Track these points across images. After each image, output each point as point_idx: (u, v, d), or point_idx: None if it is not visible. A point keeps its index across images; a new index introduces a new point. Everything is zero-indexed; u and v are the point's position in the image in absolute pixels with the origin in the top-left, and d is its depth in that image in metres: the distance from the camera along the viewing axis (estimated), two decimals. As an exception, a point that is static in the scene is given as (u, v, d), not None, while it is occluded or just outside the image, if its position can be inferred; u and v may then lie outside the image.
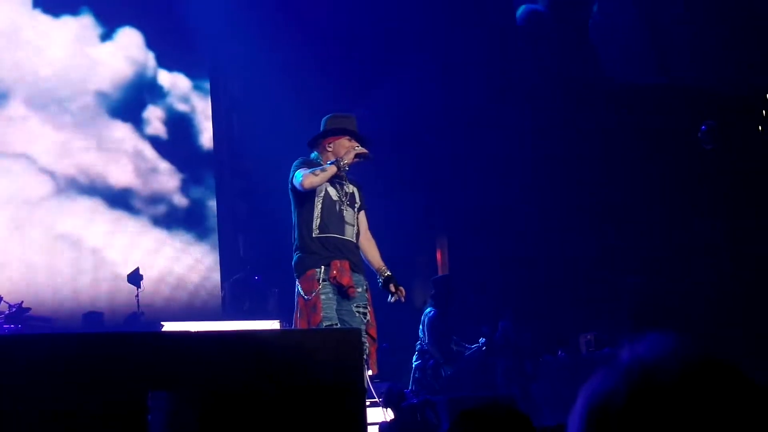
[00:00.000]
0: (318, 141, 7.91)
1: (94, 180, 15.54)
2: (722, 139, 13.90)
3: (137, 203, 15.78)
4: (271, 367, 6.37)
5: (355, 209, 7.74)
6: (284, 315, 13.62)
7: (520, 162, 15.78)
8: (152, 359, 6.04)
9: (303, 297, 7.84)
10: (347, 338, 7.18)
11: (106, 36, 16.01)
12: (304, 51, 15.96)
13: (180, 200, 16.06)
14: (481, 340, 12.72)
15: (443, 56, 16.51)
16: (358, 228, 7.80)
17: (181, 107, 16.40)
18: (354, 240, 7.73)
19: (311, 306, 7.78)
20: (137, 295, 12.98)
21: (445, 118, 16.52)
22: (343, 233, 7.62)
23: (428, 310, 12.56)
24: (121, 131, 15.88)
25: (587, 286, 15.14)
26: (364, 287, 8.05)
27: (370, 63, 16.48)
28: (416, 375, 12.31)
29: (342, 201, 7.61)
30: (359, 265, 7.88)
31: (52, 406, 5.78)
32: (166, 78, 16.38)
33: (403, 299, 8.06)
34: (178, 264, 15.72)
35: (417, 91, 16.54)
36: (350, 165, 7.52)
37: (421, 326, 12.54)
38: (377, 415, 10.59)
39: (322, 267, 7.59)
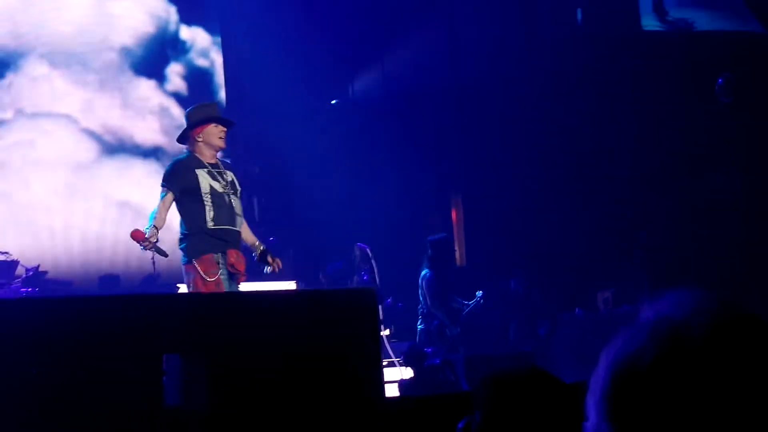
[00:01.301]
0: (187, 134, 7.91)
1: (122, 138, 15.51)
2: (739, 92, 13.76)
3: (163, 160, 15.76)
4: (286, 328, 6.35)
5: (238, 196, 7.88)
6: (300, 275, 13.62)
7: (533, 119, 15.67)
8: (167, 322, 6.02)
9: (203, 278, 7.86)
10: (362, 297, 7.15)
11: (126, -10, 15.94)
12: (314, 12, 15.87)
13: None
14: (479, 293, 12.57)
15: (453, 14, 16.40)
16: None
17: (202, 62, 16.32)
18: (240, 228, 7.90)
19: (215, 286, 7.85)
20: (153, 258, 12.92)
21: (457, 76, 16.43)
22: (234, 224, 7.79)
23: (424, 272, 12.42)
24: (146, 88, 15.81)
25: (604, 243, 15.07)
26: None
27: (380, 23, 16.39)
28: (422, 338, 12.22)
29: (227, 192, 7.71)
30: (242, 251, 8.09)
31: (68, 369, 5.76)
32: (186, 33, 16.28)
33: (278, 270, 8.26)
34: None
35: (427, 51, 16.46)
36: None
37: (420, 290, 12.43)
38: (394, 373, 10.60)
39: (220, 253, 7.72)
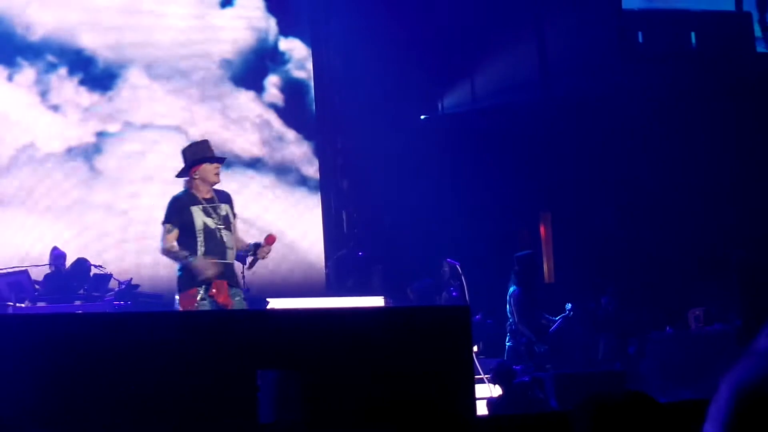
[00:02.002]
0: (185, 172, 8.52)
1: (223, 150, 15.70)
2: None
3: (263, 172, 15.90)
4: (379, 344, 6.36)
5: (232, 230, 8.36)
6: (388, 291, 13.63)
7: (624, 137, 15.55)
8: (261, 338, 6.06)
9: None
10: (455, 315, 7.14)
11: (226, 2, 16.09)
12: (404, 27, 15.90)
13: (293, 173, 16.11)
14: (568, 305, 12.47)
15: (544, 30, 16.34)
16: (235, 246, 8.44)
17: (298, 74, 16.43)
18: (233, 261, 8.44)
19: None
20: (243, 272, 13.03)
21: (547, 92, 16.34)
22: (224, 257, 8.30)
23: (512, 288, 12.35)
24: (245, 99, 15.97)
25: (695, 261, 14.88)
26: (241, 297, 8.73)
27: (470, 39, 16.37)
28: (510, 355, 12.14)
29: (219, 228, 8.24)
30: (235, 279, 8.59)
31: (163, 383, 5.82)
32: (284, 44, 16.41)
33: (265, 256, 8.66)
34: (283, 240, 15.79)
35: (517, 67, 16.40)
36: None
37: (507, 306, 12.36)
38: (483, 391, 10.55)
39: (204, 286, 8.19)
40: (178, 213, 8.30)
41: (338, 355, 6.23)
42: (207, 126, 15.59)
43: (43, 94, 15.17)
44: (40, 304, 12.31)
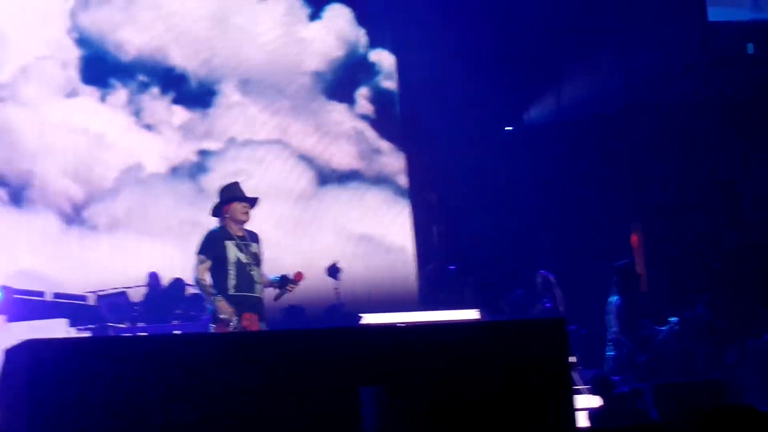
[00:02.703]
0: (218, 211, 9.00)
1: (319, 164, 15.85)
2: None
3: (355, 185, 16.02)
4: (480, 357, 6.39)
5: (260, 266, 8.81)
6: (481, 304, 13.60)
7: (712, 144, 15.40)
8: (360, 354, 6.13)
9: None
10: (552, 327, 7.14)
11: (314, 15, 16.25)
12: (489, 38, 15.91)
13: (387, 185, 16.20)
14: (672, 319, 12.37)
15: (630, 40, 16.22)
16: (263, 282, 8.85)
17: (388, 85, 16.53)
18: (261, 295, 8.82)
19: None
20: (337, 288, 13.10)
21: (634, 102, 16.21)
22: (253, 291, 8.73)
23: (613, 298, 12.27)
24: (338, 112, 16.10)
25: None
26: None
27: (555, 50, 16.31)
28: (611, 365, 12.06)
29: (250, 264, 8.71)
30: (264, 314, 8.90)
31: (264, 401, 5.90)
32: (374, 55, 16.51)
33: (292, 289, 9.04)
34: (375, 255, 15.87)
35: (602, 77, 16.30)
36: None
37: (607, 315, 12.28)
38: (581, 402, 10.49)
39: (236, 318, 8.55)
40: (212, 246, 8.74)
41: (439, 368, 6.28)
42: (302, 140, 15.75)
43: (137, 114, 15.45)
44: (139, 324, 12.52)
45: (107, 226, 15.11)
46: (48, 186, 15.07)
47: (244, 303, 8.66)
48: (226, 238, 8.75)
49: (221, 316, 8.51)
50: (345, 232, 15.85)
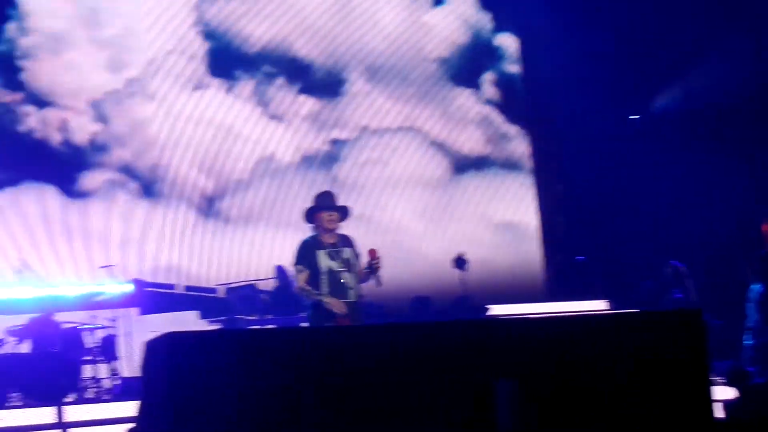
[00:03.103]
0: (308, 219, 9.28)
1: (448, 149, 15.85)
2: None
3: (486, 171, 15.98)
4: (614, 349, 6.31)
5: (353, 271, 9.00)
6: (610, 294, 13.48)
7: None
8: (497, 347, 6.09)
9: None
10: (687, 318, 7.00)
11: (438, 0, 16.23)
12: (615, 25, 15.71)
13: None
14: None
15: (760, 26, 15.89)
16: (358, 287, 9.08)
17: (513, 69, 16.45)
18: (355, 299, 9.03)
19: None
20: (462, 280, 13.10)
21: (764, 88, 15.89)
22: (346, 297, 8.92)
23: (756, 286, 12.04)
24: (464, 98, 16.09)
25: None
26: None
27: (681, 38, 16.05)
28: (749, 354, 11.85)
29: (342, 270, 8.95)
30: (359, 317, 9.15)
31: (397, 395, 5.90)
32: (498, 39, 16.45)
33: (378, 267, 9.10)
34: (501, 245, 15.81)
35: (730, 64, 15.98)
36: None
37: (747, 303, 12.05)
38: (717, 393, 10.30)
39: (331, 323, 8.81)
40: (305, 256, 9.05)
41: (569, 363, 6.21)
42: (432, 127, 15.77)
43: (264, 105, 15.62)
44: (268, 317, 12.65)
45: (240, 218, 15.31)
46: (178, 178, 15.32)
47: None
48: (318, 248, 9.04)
49: (336, 312, 8.78)
50: (477, 220, 15.84)
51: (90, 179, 15.02)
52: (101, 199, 14.95)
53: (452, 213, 15.72)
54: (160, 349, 5.87)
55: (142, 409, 6.15)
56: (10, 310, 12.41)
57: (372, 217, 15.22)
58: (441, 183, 15.67)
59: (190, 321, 13.29)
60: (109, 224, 14.81)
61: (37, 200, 14.59)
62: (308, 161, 15.56)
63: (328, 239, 9.08)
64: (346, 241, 9.19)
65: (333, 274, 8.93)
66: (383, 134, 15.65)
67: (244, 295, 12.99)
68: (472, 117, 16.07)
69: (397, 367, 5.97)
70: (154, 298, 13.69)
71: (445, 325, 6.77)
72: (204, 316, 13.28)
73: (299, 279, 9.00)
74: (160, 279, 14.17)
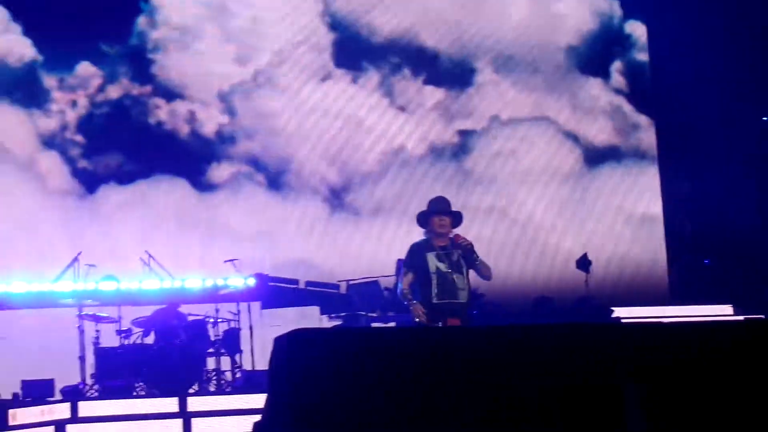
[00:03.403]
0: (421, 224, 9.46)
1: (580, 139, 15.73)
2: None
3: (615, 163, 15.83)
4: (745, 358, 6.20)
5: (464, 272, 9.14)
6: (737, 298, 13.22)
7: None
8: (625, 352, 6.01)
9: None
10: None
11: (567, -12, 16.15)
12: (747, 23, 15.39)
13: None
14: None
15: None
16: (469, 287, 9.23)
17: (641, 57, 16.25)
18: (466, 300, 9.15)
19: None
20: (586, 281, 12.96)
21: None
22: (456, 298, 9.09)
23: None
24: (593, 87, 15.95)
25: None
26: None
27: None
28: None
29: (452, 271, 9.08)
30: (468, 319, 9.28)
31: (523, 397, 5.86)
32: (628, 27, 16.27)
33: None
34: (624, 247, 15.61)
35: None
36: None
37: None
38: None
39: (440, 323, 8.99)
40: (413, 258, 9.28)
41: (698, 370, 6.12)
42: (562, 117, 15.66)
43: (391, 96, 15.65)
44: (389, 313, 12.66)
45: (368, 211, 15.37)
46: (305, 171, 15.42)
47: (447, 310, 9.09)
48: (428, 250, 9.23)
49: (415, 319, 9.01)
50: (610, 213, 15.68)
51: (217, 171, 15.20)
52: (228, 192, 15.12)
53: (585, 206, 15.57)
54: (287, 346, 5.90)
55: (268, 403, 6.20)
56: (136, 301, 12.61)
57: (506, 209, 15.16)
58: (573, 175, 15.55)
59: (311, 316, 13.39)
60: (234, 217, 14.97)
61: (165, 192, 14.82)
62: (437, 153, 15.56)
63: (438, 242, 9.27)
64: (456, 244, 9.31)
65: (442, 276, 9.11)
66: (514, 125, 15.56)
67: (366, 291, 13.02)
68: (602, 107, 15.90)
69: (524, 370, 5.93)
70: (277, 292, 13.80)
71: (572, 327, 6.71)
72: (324, 312, 13.36)
73: (403, 281, 9.25)
74: (285, 273, 14.27)
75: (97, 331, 12.17)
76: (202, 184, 15.09)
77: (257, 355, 12.51)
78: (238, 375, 12.38)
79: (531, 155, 15.31)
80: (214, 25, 15.45)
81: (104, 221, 14.56)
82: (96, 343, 12.09)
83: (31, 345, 12.58)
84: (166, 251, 13.56)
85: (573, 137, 15.75)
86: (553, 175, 15.45)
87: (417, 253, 9.26)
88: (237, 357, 12.51)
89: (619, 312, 12.67)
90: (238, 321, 12.68)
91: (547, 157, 15.53)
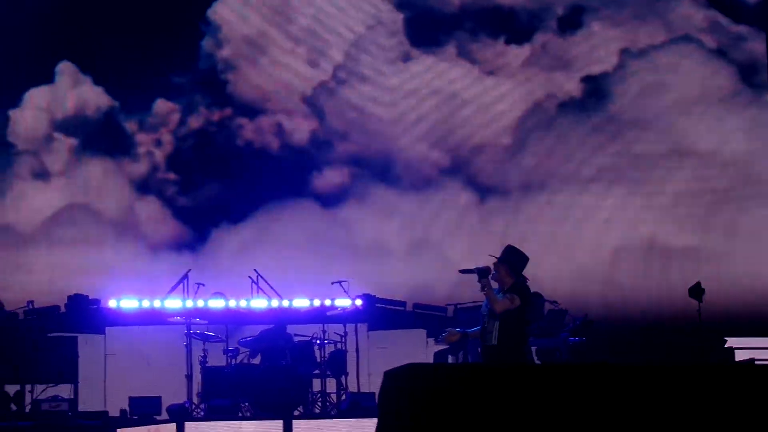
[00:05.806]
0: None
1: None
2: None
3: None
4: None
5: (495, 318, 9.10)
6: None
7: None
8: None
9: None
10: None
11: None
12: None
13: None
14: None
15: None
16: (498, 330, 9.13)
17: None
18: (495, 342, 9.10)
19: None
20: (698, 309, 12.62)
21: None
22: (486, 342, 9.13)
23: None
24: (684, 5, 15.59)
25: None
26: None
27: None
28: None
29: (486, 316, 9.17)
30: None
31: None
32: None
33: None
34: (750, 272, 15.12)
35: None
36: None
37: None
38: None
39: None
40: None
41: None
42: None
43: (476, 63, 15.36)
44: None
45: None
46: (412, 158, 15.18)
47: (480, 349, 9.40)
48: None
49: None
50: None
51: (318, 180, 15.08)
52: (330, 203, 14.97)
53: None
54: (399, 381, 5.79)
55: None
56: (244, 321, 12.63)
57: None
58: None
59: (416, 339, 13.26)
60: (341, 232, 14.84)
61: (268, 211, 14.74)
62: (562, 107, 15.25)
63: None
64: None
65: (482, 319, 9.23)
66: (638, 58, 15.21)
67: (473, 315, 12.85)
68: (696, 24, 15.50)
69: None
70: (384, 314, 13.70)
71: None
72: (431, 335, 13.21)
73: None
74: (391, 295, 14.10)
75: (205, 349, 12.24)
76: (303, 197, 14.95)
77: (363, 378, 12.44)
78: (343, 397, 12.32)
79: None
80: (279, 30, 15.26)
81: (214, 245, 14.60)
82: (203, 362, 12.15)
83: (139, 362, 12.66)
84: (275, 270, 13.51)
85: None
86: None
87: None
88: (343, 379, 12.46)
89: (733, 342, 12.36)
90: (345, 343, 12.63)
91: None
